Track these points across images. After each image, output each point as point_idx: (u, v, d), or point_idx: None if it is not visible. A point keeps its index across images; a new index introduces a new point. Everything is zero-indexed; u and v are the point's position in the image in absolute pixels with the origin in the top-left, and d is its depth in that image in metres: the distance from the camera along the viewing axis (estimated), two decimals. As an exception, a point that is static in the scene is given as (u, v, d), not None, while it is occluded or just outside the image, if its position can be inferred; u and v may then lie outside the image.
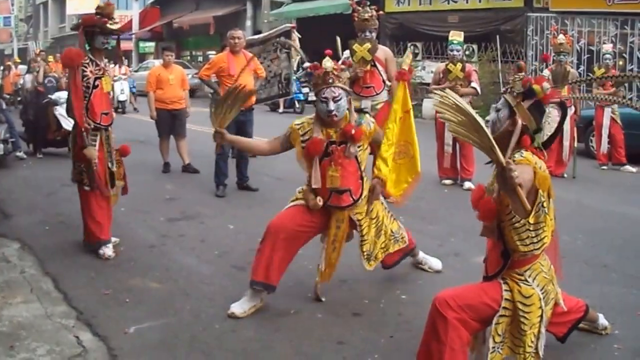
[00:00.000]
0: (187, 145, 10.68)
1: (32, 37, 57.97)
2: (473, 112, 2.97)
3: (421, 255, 5.60)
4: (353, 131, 4.66)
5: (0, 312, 4.71)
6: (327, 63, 4.68)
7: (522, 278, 3.45)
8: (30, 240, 6.45)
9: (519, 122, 3.42)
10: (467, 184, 9.06)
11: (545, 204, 3.33)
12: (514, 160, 3.23)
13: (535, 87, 3.42)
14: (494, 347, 3.45)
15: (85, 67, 5.87)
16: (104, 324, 4.51)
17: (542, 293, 3.48)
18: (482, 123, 2.96)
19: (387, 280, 5.37)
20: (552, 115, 8.44)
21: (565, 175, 10.20)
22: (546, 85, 3.44)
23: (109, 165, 6.10)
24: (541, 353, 3.51)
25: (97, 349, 4.15)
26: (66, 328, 4.46)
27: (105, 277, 5.50)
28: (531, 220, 3.31)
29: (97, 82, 5.94)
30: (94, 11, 6.07)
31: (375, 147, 5.04)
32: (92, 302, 4.92)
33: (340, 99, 4.62)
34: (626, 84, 14.18)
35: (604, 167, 11.17)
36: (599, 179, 10.34)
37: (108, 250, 5.99)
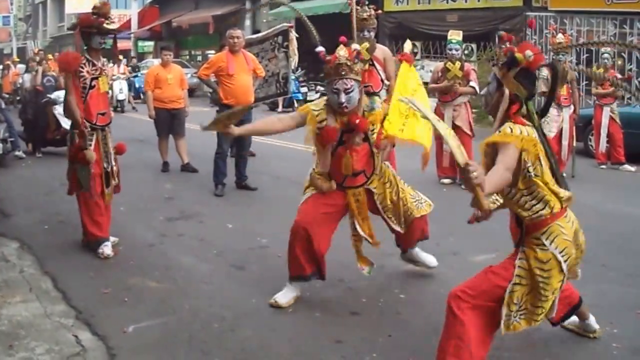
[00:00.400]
0: (186, 145, 10.68)
1: (31, 36, 58.00)
2: (430, 115, 3.20)
3: (416, 249, 5.53)
4: (357, 121, 4.66)
5: (0, 311, 4.71)
6: (341, 52, 4.62)
7: (540, 242, 3.46)
8: (30, 240, 6.46)
9: (506, 92, 3.46)
10: (466, 183, 9.06)
11: (531, 168, 3.36)
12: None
13: (518, 55, 3.42)
14: (508, 315, 3.47)
15: (82, 67, 5.87)
16: (103, 323, 4.51)
17: (562, 255, 3.46)
18: (439, 126, 3.17)
19: (386, 280, 5.38)
20: (551, 114, 8.44)
21: (564, 175, 10.15)
22: (529, 52, 3.41)
23: (105, 165, 6.07)
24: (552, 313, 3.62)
25: (96, 348, 4.16)
26: (65, 327, 4.46)
27: (104, 276, 5.51)
28: (521, 186, 3.40)
29: (93, 83, 5.94)
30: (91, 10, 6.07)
31: None
32: (91, 301, 4.93)
33: (352, 90, 4.58)
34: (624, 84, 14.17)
35: (603, 167, 11.17)
36: (598, 178, 10.34)
37: (107, 249, 5.99)
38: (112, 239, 6.31)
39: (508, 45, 3.52)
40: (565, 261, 3.46)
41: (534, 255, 3.44)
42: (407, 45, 6.08)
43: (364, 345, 4.21)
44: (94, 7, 6.01)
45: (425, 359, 4.04)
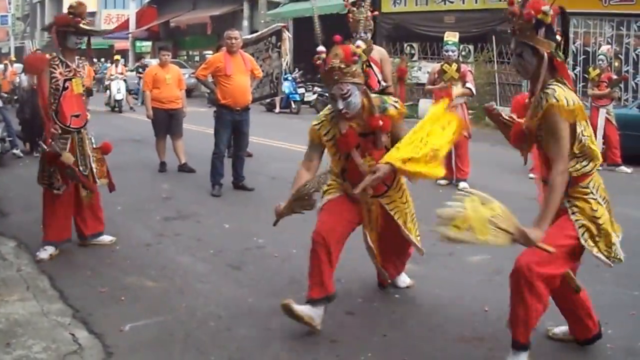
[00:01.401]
0: (183, 145, 10.69)
1: (29, 35, 58.01)
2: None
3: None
4: (381, 122, 4.32)
5: (-3, 309, 4.74)
6: (334, 54, 4.24)
7: (588, 191, 3.65)
8: (27, 239, 6.46)
9: (545, 54, 3.51)
10: (462, 184, 9.09)
11: (585, 132, 3.53)
12: (546, 100, 3.46)
13: (541, 16, 3.47)
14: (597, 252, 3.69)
15: (55, 68, 5.79)
16: (100, 322, 4.53)
17: (604, 202, 3.72)
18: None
19: (382, 280, 5.40)
20: None
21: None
22: (546, 8, 3.48)
23: (81, 169, 5.96)
24: (621, 257, 3.81)
25: (93, 347, 4.17)
26: (62, 325, 4.48)
27: (101, 275, 5.53)
28: (576, 150, 3.56)
29: (67, 84, 5.84)
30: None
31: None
32: (88, 300, 4.94)
33: (349, 95, 4.21)
34: (621, 85, 14.22)
35: (599, 168, 11.12)
36: (594, 180, 10.33)
37: (44, 254, 5.88)
38: (109, 238, 6.34)
39: (524, 11, 3.50)
40: (606, 206, 3.72)
41: (589, 206, 3.62)
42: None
43: (359, 344, 4.23)
44: (70, 7, 5.91)
45: (420, 359, 4.07)
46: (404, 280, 5.23)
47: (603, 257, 3.68)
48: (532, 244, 3.43)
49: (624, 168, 11.03)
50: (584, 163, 3.60)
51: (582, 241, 3.62)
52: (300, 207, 4.29)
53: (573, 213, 3.64)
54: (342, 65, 4.21)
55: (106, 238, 6.35)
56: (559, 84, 3.52)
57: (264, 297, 4.94)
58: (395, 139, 4.43)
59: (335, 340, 4.29)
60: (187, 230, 6.98)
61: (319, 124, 4.51)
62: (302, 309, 4.26)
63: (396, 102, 4.55)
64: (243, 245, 6.34)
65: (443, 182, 9.42)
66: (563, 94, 3.44)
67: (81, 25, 5.82)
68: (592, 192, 3.64)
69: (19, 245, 6.33)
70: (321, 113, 4.59)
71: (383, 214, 4.69)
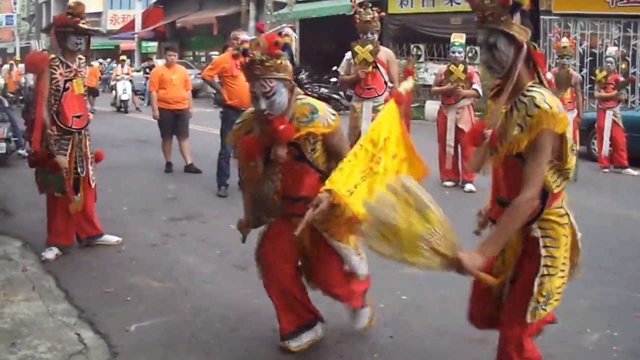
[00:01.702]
0: (189, 145, 10.70)
1: (34, 36, 58.14)
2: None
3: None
4: (282, 127, 3.60)
5: (2, 309, 4.73)
6: (255, 45, 3.61)
7: (563, 212, 3.12)
8: (32, 239, 6.47)
9: (524, 44, 2.96)
10: (469, 186, 9.08)
11: (574, 147, 3.07)
12: (536, 105, 2.86)
13: None
14: (535, 307, 3.09)
15: (55, 69, 5.75)
16: (105, 322, 4.53)
17: (576, 225, 3.23)
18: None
19: (387, 281, 5.37)
20: None
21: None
22: None
23: (78, 170, 5.92)
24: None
25: (98, 347, 4.18)
26: (67, 326, 4.48)
27: (107, 275, 5.53)
28: (566, 166, 3.06)
29: (67, 85, 5.80)
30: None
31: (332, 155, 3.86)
32: (94, 300, 4.95)
33: (273, 93, 3.58)
34: (628, 87, 14.20)
35: (606, 170, 11.17)
36: (601, 182, 10.34)
37: (50, 254, 5.87)
38: (115, 238, 6.34)
39: None
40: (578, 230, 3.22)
41: (563, 233, 3.10)
42: (408, 83, 4.29)
43: (364, 346, 4.23)
44: (68, 7, 5.86)
45: (425, 360, 4.07)
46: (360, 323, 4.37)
47: (529, 316, 3.11)
48: (468, 273, 3.04)
49: (630, 170, 11.00)
50: (562, 179, 3.08)
51: (536, 280, 3.07)
52: (268, 215, 4.00)
53: (545, 246, 3.08)
54: (264, 58, 3.56)
55: (112, 238, 6.35)
56: (543, 87, 2.98)
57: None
58: (335, 157, 3.80)
59: (340, 341, 4.29)
60: (193, 230, 6.99)
61: (240, 122, 3.93)
62: (302, 343, 4.10)
63: (333, 114, 3.79)
64: (249, 245, 6.33)
65: (449, 183, 9.42)
66: (553, 101, 2.88)
67: (80, 25, 5.78)
68: (567, 214, 3.14)
69: (24, 245, 6.34)
70: (248, 110, 3.97)
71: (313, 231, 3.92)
